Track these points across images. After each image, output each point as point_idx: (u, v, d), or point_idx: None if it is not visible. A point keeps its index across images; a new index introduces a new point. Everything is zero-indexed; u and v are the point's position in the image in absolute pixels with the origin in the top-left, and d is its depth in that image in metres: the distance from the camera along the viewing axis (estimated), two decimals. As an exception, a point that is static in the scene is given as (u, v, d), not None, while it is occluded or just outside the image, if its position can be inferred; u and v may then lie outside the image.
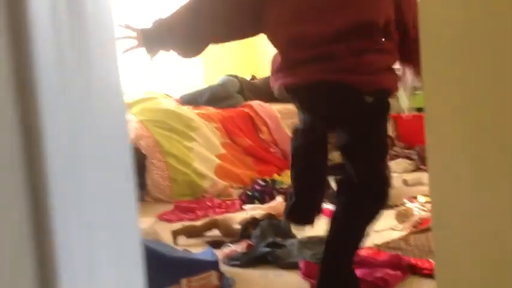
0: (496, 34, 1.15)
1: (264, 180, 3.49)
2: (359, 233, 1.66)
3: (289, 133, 4.38)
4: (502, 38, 1.15)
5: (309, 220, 1.91)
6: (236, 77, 4.72)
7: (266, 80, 4.89)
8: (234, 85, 4.59)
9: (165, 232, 2.56)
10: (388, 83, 1.68)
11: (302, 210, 1.87)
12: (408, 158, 3.96)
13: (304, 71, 1.66)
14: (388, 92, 1.70)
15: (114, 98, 0.46)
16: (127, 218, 0.47)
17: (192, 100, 4.49)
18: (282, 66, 1.75)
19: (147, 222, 2.98)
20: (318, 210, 1.92)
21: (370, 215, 1.66)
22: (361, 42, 1.62)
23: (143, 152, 3.65)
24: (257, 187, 3.39)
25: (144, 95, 4.26)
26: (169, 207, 3.30)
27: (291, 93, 1.81)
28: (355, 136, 1.65)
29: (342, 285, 1.67)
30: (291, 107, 4.63)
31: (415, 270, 1.85)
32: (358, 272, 1.82)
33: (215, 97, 4.44)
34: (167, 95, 4.60)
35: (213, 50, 5.76)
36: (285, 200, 3.08)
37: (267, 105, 4.49)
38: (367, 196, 1.63)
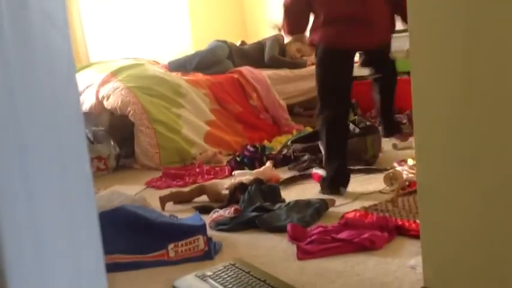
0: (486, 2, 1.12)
1: (254, 146, 3.46)
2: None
3: (280, 99, 4.36)
4: (494, 7, 1.11)
5: (346, 184, 2.56)
6: (225, 42, 4.65)
7: (256, 46, 4.82)
8: (224, 50, 4.52)
9: (153, 199, 2.54)
10: (388, 40, 2.80)
11: (340, 179, 2.54)
12: (399, 122, 3.94)
13: (331, 36, 2.53)
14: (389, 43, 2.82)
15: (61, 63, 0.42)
16: (79, 185, 0.44)
17: (180, 66, 4.43)
18: (316, 26, 2.57)
19: (135, 189, 2.97)
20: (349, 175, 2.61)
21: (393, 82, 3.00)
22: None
23: (131, 119, 3.60)
24: (246, 153, 3.36)
25: (131, 62, 4.19)
26: (158, 174, 3.28)
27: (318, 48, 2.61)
28: (374, 58, 2.92)
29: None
30: (280, 73, 4.59)
31: (402, 231, 1.85)
32: (346, 234, 1.82)
33: (204, 62, 4.38)
34: (155, 61, 4.53)
35: (201, 15, 5.67)
36: (274, 165, 3.07)
37: (256, 71, 4.44)
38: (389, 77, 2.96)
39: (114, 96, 3.67)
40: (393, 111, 3.30)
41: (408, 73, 4.31)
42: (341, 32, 2.50)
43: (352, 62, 2.62)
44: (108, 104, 3.67)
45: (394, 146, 3.44)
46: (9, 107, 0.37)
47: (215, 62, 4.40)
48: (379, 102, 3.10)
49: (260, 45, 4.77)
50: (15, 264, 0.36)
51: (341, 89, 2.59)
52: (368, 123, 3.39)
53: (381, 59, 2.94)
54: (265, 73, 4.45)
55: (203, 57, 4.41)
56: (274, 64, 4.63)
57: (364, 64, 3.07)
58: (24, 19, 0.36)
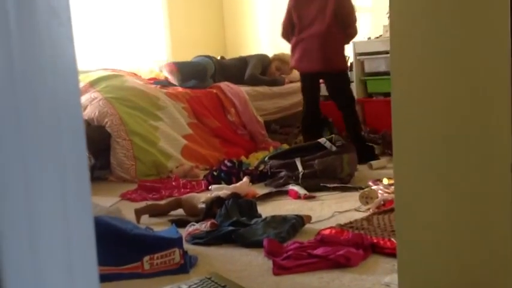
0: (463, 26, 1.16)
1: (231, 161, 3.47)
2: (355, 121, 3.85)
3: (257, 115, 4.38)
4: (472, 27, 1.15)
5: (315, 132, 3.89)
6: (210, 58, 4.63)
7: (237, 62, 4.83)
8: (211, 68, 4.52)
9: (128, 211, 2.51)
10: (344, 66, 3.88)
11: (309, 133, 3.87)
12: (374, 142, 4.01)
13: (302, 61, 3.80)
14: (346, 69, 3.91)
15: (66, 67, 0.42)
16: (79, 191, 0.44)
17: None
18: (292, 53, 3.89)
19: (110, 201, 2.93)
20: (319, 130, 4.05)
21: (352, 114, 3.85)
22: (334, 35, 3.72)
23: (108, 130, 3.57)
24: (224, 168, 3.36)
25: (109, 72, 4.17)
26: (134, 187, 3.25)
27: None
28: (333, 87, 3.87)
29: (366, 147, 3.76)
30: (259, 89, 4.62)
31: (376, 249, 1.87)
32: (321, 250, 1.83)
33: (192, 74, 4.35)
34: (134, 73, 4.51)
35: (181, 29, 5.67)
36: (251, 181, 3.08)
37: (235, 86, 4.45)
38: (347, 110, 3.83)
39: (91, 107, 3.64)
40: (359, 136, 3.81)
41: (382, 94, 4.45)
42: None
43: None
44: (85, 114, 3.64)
45: (370, 166, 3.49)
46: (12, 104, 0.37)
47: (201, 77, 4.38)
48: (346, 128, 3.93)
49: (242, 62, 4.79)
50: (13, 270, 0.36)
51: None
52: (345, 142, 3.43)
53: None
54: (244, 89, 4.48)
55: (198, 70, 4.39)
56: (252, 83, 4.67)
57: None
58: (31, 16, 0.36)
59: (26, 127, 0.38)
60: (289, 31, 3.82)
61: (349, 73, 4.02)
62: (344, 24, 3.67)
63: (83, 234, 0.43)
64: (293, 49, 3.82)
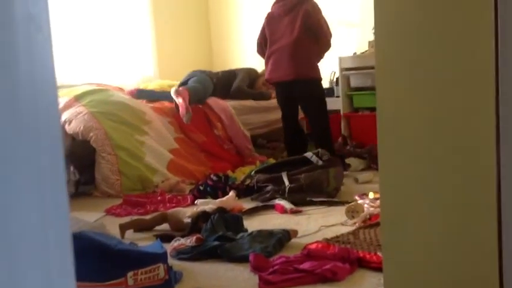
0: (450, 38, 1.17)
1: (217, 176, 3.45)
2: (327, 135, 3.89)
3: (244, 129, 4.37)
4: (456, 42, 1.16)
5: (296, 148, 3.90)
6: (207, 74, 4.58)
7: (225, 75, 4.82)
8: (210, 89, 4.48)
9: (113, 226, 2.48)
10: (316, 74, 3.85)
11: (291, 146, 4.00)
12: (360, 157, 4.02)
13: (274, 72, 3.88)
14: (318, 78, 3.88)
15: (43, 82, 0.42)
16: (55, 204, 0.43)
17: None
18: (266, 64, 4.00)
19: (94, 216, 2.90)
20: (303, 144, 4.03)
21: (324, 129, 3.90)
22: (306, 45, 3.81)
23: (93, 145, 3.54)
24: (210, 182, 3.35)
25: (95, 87, 4.14)
26: (119, 202, 3.21)
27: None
28: (305, 98, 3.90)
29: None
30: (245, 103, 4.63)
31: (363, 263, 1.86)
32: (308, 265, 1.82)
33: (196, 99, 4.29)
34: (120, 87, 4.50)
35: (167, 44, 5.67)
36: (237, 195, 3.06)
37: (222, 101, 4.45)
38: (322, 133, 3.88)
39: (76, 121, 3.61)
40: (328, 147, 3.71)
41: (368, 108, 4.47)
42: None
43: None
44: (70, 129, 3.60)
45: (356, 180, 3.50)
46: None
47: (200, 100, 4.33)
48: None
49: (231, 75, 4.79)
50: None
51: None
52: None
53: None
54: (230, 103, 4.48)
55: (199, 92, 4.33)
56: (238, 95, 4.67)
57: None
58: (9, 22, 0.36)
59: (3, 134, 0.37)
60: (263, 47, 3.97)
61: (322, 84, 3.94)
62: (316, 37, 3.76)
63: (60, 243, 0.42)
64: (266, 62, 3.94)
